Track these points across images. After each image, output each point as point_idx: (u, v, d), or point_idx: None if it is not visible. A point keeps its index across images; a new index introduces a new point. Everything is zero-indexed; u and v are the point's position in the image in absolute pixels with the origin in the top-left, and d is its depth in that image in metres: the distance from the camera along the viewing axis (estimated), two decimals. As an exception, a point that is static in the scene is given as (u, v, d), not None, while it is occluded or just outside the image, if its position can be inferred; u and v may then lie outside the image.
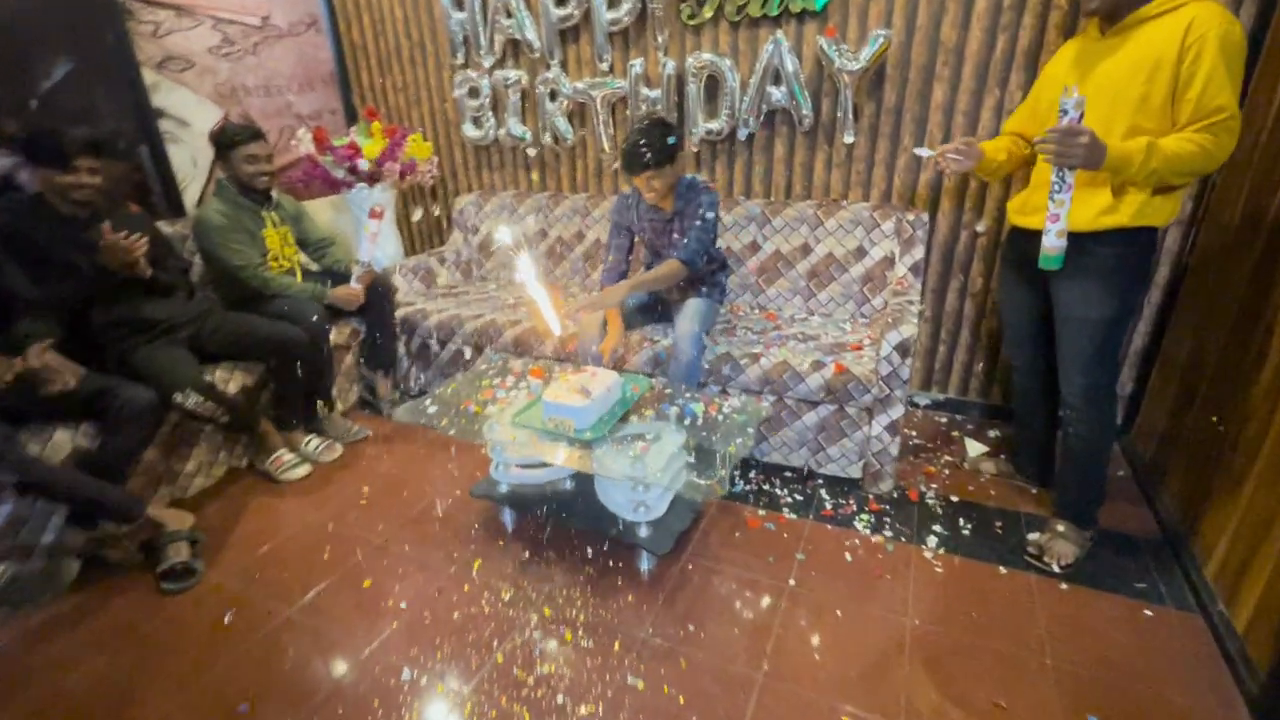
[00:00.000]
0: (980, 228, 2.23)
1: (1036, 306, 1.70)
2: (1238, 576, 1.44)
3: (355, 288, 2.35)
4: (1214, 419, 1.59)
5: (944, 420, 2.47)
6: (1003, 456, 2.11)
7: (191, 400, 1.85)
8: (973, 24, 2.03)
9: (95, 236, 1.78)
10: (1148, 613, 1.55)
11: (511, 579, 1.71)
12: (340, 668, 1.47)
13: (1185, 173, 1.33)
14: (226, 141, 2.21)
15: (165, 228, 2.34)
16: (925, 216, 2.22)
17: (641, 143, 1.91)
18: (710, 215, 2.05)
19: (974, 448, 2.24)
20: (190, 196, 2.61)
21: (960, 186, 2.22)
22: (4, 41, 2.07)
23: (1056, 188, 1.32)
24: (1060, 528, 1.71)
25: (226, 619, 1.61)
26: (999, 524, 1.87)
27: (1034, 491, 2.00)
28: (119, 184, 2.37)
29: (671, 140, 1.94)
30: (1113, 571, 1.67)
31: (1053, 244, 1.36)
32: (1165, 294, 2.06)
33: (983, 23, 2.01)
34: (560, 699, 1.36)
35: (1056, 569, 1.65)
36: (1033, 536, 1.74)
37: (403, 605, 1.64)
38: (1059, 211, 1.33)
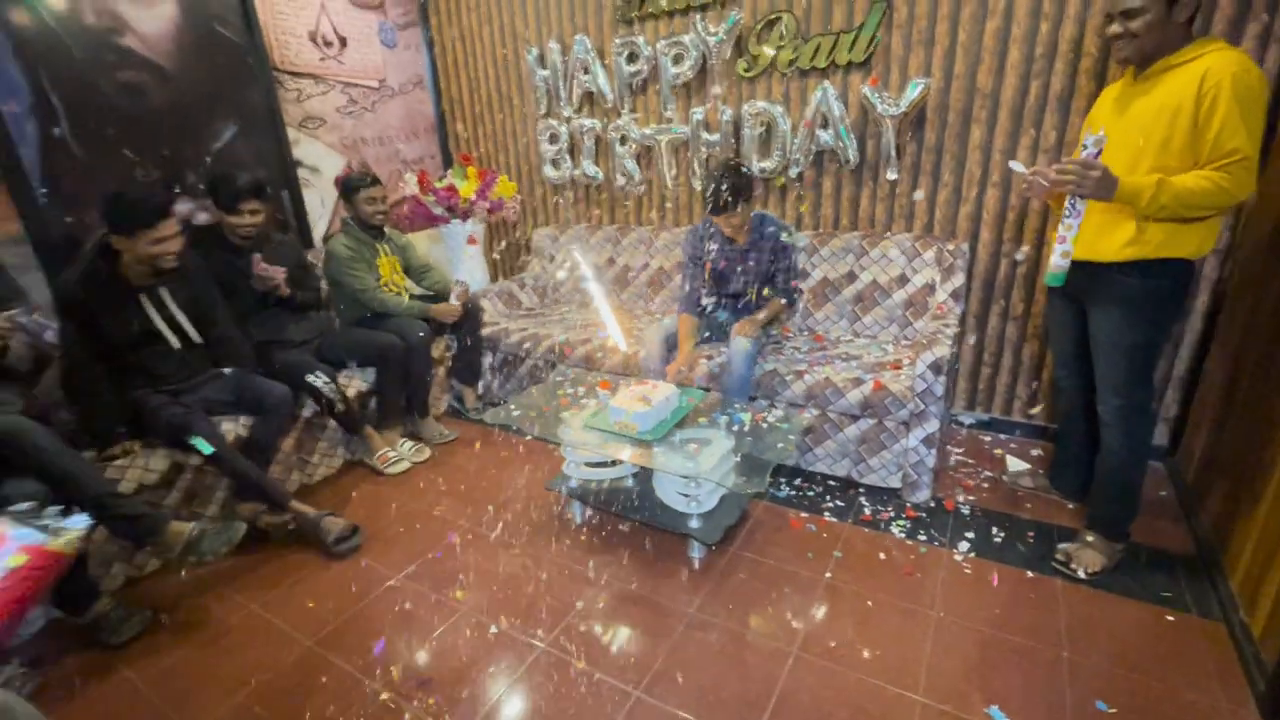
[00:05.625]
0: (1020, 256, 2.36)
1: (1078, 330, 1.82)
2: (1257, 585, 1.52)
3: (455, 304, 2.74)
4: None
5: (988, 439, 2.58)
6: (1042, 472, 2.21)
7: (321, 380, 2.30)
8: (1007, 71, 2.21)
9: (247, 266, 2.25)
10: (1170, 618, 1.63)
11: (580, 559, 1.98)
12: (448, 618, 1.77)
13: (1199, 207, 1.44)
14: (352, 187, 2.66)
15: (300, 258, 2.81)
16: (965, 247, 2.38)
17: (723, 188, 2.20)
18: (794, 251, 2.38)
19: (1015, 464, 2.34)
20: (318, 231, 3.10)
21: (998, 217, 2.37)
22: (190, 112, 2.60)
23: (1069, 213, 1.49)
24: (1090, 538, 1.81)
25: (363, 564, 1.97)
26: (1031, 534, 1.98)
27: (1070, 507, 2.09)
28: (268, 222, 2.86)
29: (746, 182, 2.24)
30: (1141, 581, 1.75)
31: (1057, 263, 1.53)
32: (1206, 321, 2.13)
33: (1017, 70, 2.19)
34: (616, 651, 1.61)
35: (1082, 575, 1.75)
36: (1063, 546, 1.84)
37: (499, 571, 1.94)
38: (1067, 234, 1.51)
